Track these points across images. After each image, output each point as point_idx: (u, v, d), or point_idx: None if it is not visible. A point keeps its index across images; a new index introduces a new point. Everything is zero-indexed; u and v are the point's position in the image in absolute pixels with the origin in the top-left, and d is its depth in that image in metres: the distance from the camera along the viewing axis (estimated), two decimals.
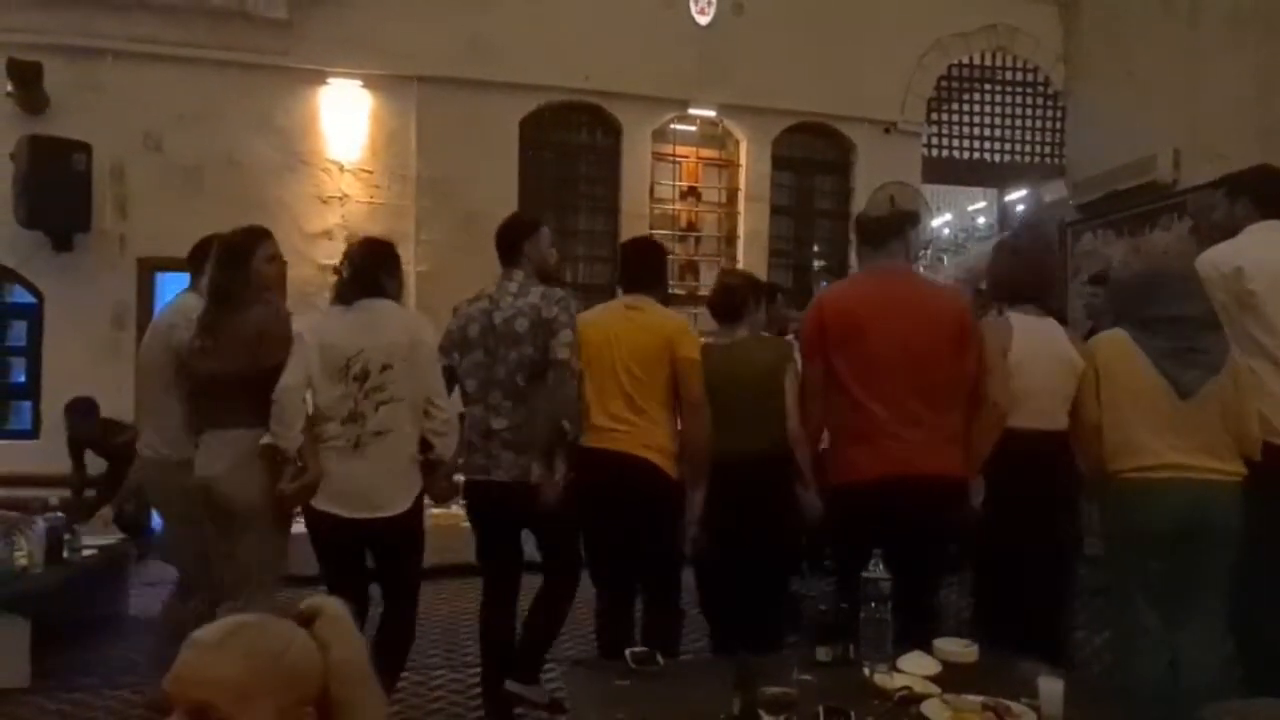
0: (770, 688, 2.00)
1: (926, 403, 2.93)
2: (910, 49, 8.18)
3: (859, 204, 7.62)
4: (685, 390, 3.31)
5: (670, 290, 4.70)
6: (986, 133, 8.53)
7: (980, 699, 2.11)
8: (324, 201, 7.19)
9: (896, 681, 2.23)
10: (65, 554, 4.22)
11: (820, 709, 2.00)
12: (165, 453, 3.48)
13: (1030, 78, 8.54)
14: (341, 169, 7.23)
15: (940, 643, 2.52)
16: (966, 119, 8.49)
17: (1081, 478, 3.11)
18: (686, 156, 8.11)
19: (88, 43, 6.68)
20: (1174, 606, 2.83)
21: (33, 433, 6.86)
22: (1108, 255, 7.42)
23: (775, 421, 3.34)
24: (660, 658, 2.49)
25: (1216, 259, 3.08)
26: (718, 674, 2.17)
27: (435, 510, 4.19)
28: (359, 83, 7.19)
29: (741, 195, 8.10)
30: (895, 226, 3.15)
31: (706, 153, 8.18)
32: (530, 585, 3.45)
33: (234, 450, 3.14)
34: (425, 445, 3.19)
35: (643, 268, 3.57)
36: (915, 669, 2.33)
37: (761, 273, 7.72)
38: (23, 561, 4.01)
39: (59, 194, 6.37)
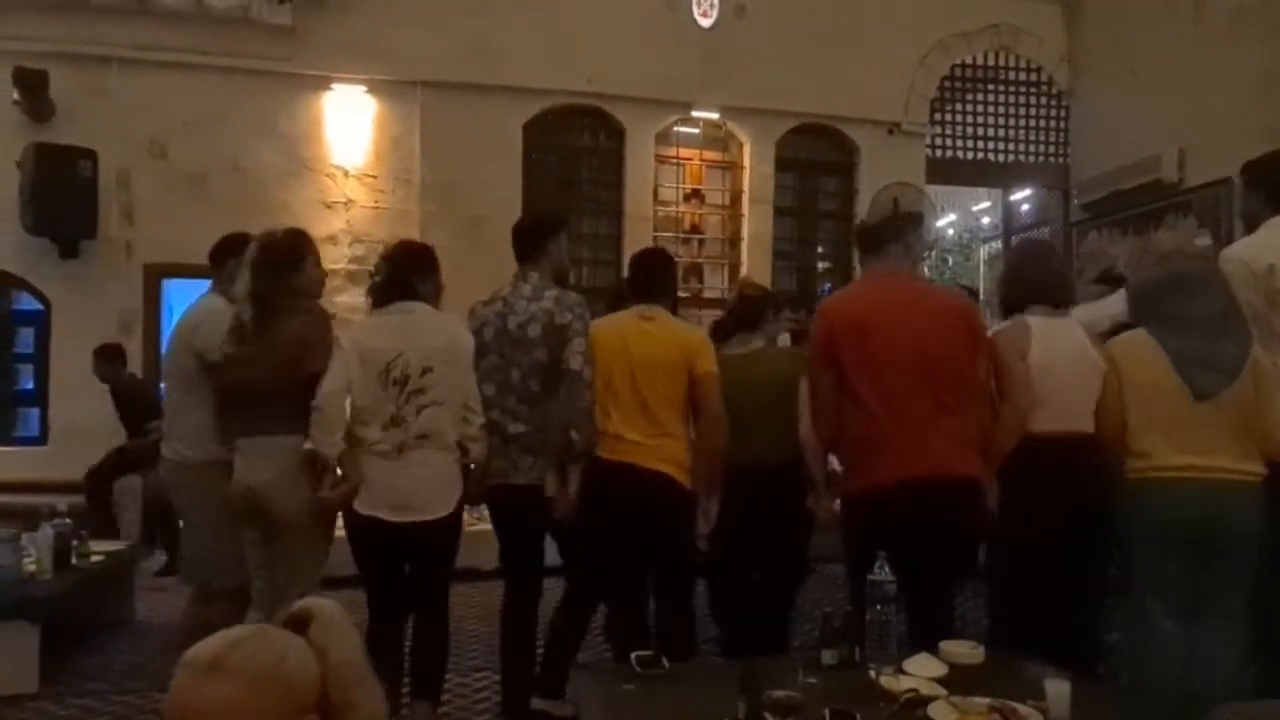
0: (776, 691, 1.99)
1: (939, 405, 2.90)
2: (913, 49, 8.17)
3: (863, 205, 7.56)
4: (704, 404, 3.28)
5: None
6: (990, 133, 8.50)
7: (987, 701, 2.11)
8: (329, 207, 7.20)
9: (903, 684, 2.22)
10: (73, 560, 4.23)
11: (826, 712, 2.00)
12: (187, 454, 3.44)
13: (1034, 77, 8.52)
14: (346, 174, 7.24)
15: (947, 645, 2.51)
16: (970, 119, 8.47)
17: (1112, 479, 3.01)
18: (690, 159, 8.10)
19: (93, 50, 6.70)
20: (1192, 607, 2.78)
21: (41, 439, 6.88)
22: (1113, 254, 7.40)
23: (789, 431, 3.37)
24: (666, 661, 2.48)
25: (1246, 255, 3.02)
26: (724, 677, 2.17)
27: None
28: (363, 88, 7.20)
29: (745, 197, 8.08)
30: (892, 231, 3.12)
31: (710, 155, 8.18)
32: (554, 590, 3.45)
33: (279, 457, 3.10)
34: (461, 450, 3.18)
35: (654, 278, 3.54)
36: (921, 671, 2.33)
37: (765, 275, 7.75)
38: (31, 568, 4.03)
39: (65, 201, 6.39)
